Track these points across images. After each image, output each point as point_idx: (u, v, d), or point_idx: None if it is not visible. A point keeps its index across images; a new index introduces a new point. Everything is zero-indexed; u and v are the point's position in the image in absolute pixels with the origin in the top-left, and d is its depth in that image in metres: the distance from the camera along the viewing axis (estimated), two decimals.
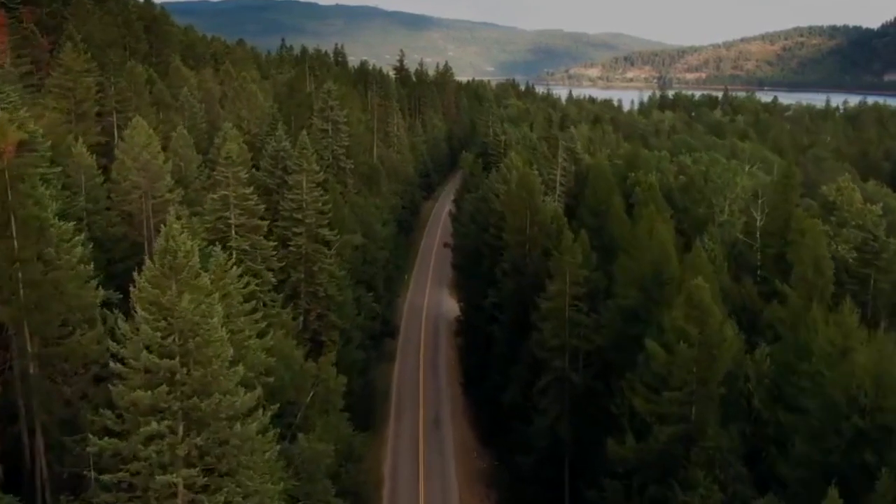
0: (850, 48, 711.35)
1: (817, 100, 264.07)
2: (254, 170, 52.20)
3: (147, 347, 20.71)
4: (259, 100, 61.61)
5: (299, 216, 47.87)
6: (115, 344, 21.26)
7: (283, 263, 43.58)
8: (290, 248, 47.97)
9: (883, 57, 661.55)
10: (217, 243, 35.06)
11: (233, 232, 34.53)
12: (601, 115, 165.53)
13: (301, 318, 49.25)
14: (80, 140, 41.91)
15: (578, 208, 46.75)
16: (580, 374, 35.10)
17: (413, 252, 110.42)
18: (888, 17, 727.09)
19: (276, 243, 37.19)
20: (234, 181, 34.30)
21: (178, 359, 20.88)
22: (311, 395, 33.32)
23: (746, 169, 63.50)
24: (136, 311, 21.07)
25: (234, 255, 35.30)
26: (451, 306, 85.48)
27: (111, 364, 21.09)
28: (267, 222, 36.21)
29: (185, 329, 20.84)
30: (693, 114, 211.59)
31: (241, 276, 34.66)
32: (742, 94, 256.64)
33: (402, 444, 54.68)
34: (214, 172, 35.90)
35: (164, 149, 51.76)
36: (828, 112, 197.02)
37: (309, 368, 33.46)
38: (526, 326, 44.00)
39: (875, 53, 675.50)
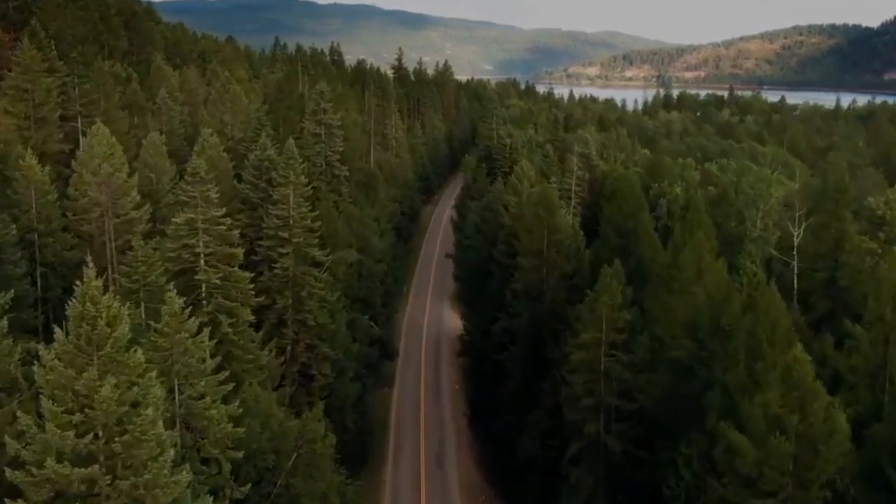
0: (849, 47, 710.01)
1: (822, 99, 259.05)
2: (236, 182, 46.65)
3: (56, 449, 15.08)
4: (243, 102, 55.97)
5: (285, 235, 42.29)
6: (14, 442, 15.65)
7: (263, 297, 37.86)
8: (276, 271, 42.44)
9: (883, 56, 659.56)
10: (182, 276, 29.52)
11: (201, 262, 28.99)
12: (606, 115, 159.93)
13: (288, 349, 43.76)
14: (30, 150, 36.26)
15: (601, 225, 40.96)
16: (617, 437, 29.33)
17: (412, 261, 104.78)
18: (888, 16, 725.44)
19: (252, 275, 31.65)
20: (203, 202, 28.73)
21: (99, 464, 15.28)
22: (293, 458, 27.77)
23: (774, 175, 57.84)
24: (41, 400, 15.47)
25: (205, 290, 29.72)
26: (453, 322, 79.97)
27: (6, 472, 15.47)
28: (242, 250, 30.58)
29: (108, 423, 15.27)
30: (698, 113, 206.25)
31: (209, 314, 29.12)
32: (747, 94, 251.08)
33: (402, 486, 49.12)
34: (179, 191, 30.26)
35: (137, 158, 46.31)
36: (838, 112, 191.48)
37: (291, 428, 27.94)
38: (543, 362, 38.51)
39: (875, 52, 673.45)
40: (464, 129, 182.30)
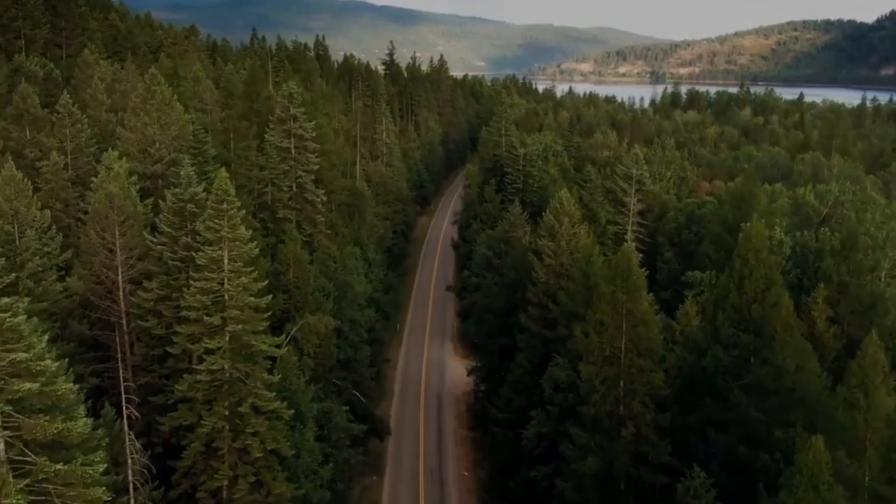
0: (844, 42, 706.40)
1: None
2: (148, 234, 31.60)
3: None
4: (177, 110, 41.04)
5: (216, 320, 27.48)
6: None
7: (183, 412, 23.05)
8: (199, 377, 27.59)
9: (879, 51, 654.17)
10: None
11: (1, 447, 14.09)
12: (618, 117, 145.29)
13: (223, 488, 28.94)
14: None
15: (714, 314, 25.56)
16: None
17: (407, 287, 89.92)
18: (883, 11, 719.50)
19: (104, 467, 16.72)
20: None
21: None
22: None
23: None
24: None
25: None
26: (456, 373, 65.30)
27: None
28: (87, 421, 15.36)
29: None
30: (708, 110, 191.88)
31: None
32: (759, 91, 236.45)
33: None
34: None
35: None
36: (862, 111, 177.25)
37: None
38: None
39: (871, 48, 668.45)
40: (460, 129, 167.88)
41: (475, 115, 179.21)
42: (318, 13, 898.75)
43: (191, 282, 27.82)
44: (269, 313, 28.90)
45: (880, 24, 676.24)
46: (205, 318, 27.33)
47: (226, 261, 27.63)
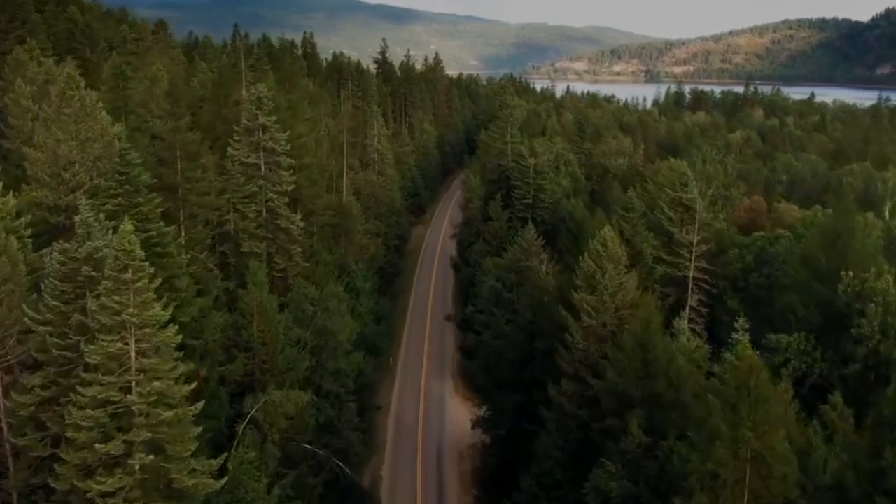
0: (840, 41, 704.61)
1: (834, 95, 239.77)
2: (31, 308, 22.19)
3: None
4: (102, 121, 31.72)
5: (117, 447, 18.30)
6: None
7: None
8: None
9: (875, 50, 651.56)
10: None
11: None
12: (624, 119, 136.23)
13: None
14: None
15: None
16: None
17: (401, 310, 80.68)
18: (878, 10, 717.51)
19: None
20: None
21: None
22: None
23: None
24: None
25: None
26: (459, 422, 56.32)
27: None
28: None
29: None
30: (715, 112, 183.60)
31: None
32: (766, 90, 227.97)
33: None
34: None
35: None
36: (878, 111, 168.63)
37: None
38: None
39: (866, 46, 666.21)
40: (456, 131, 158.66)
41: (471, 116, 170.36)
42: (313, 12, 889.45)
43: (80, 385, 18.62)
44: (201, 429, 19.68)
45: (875, 22, 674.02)
46: (96, 446, 18.12)
47: (132, 357, 18.45)
